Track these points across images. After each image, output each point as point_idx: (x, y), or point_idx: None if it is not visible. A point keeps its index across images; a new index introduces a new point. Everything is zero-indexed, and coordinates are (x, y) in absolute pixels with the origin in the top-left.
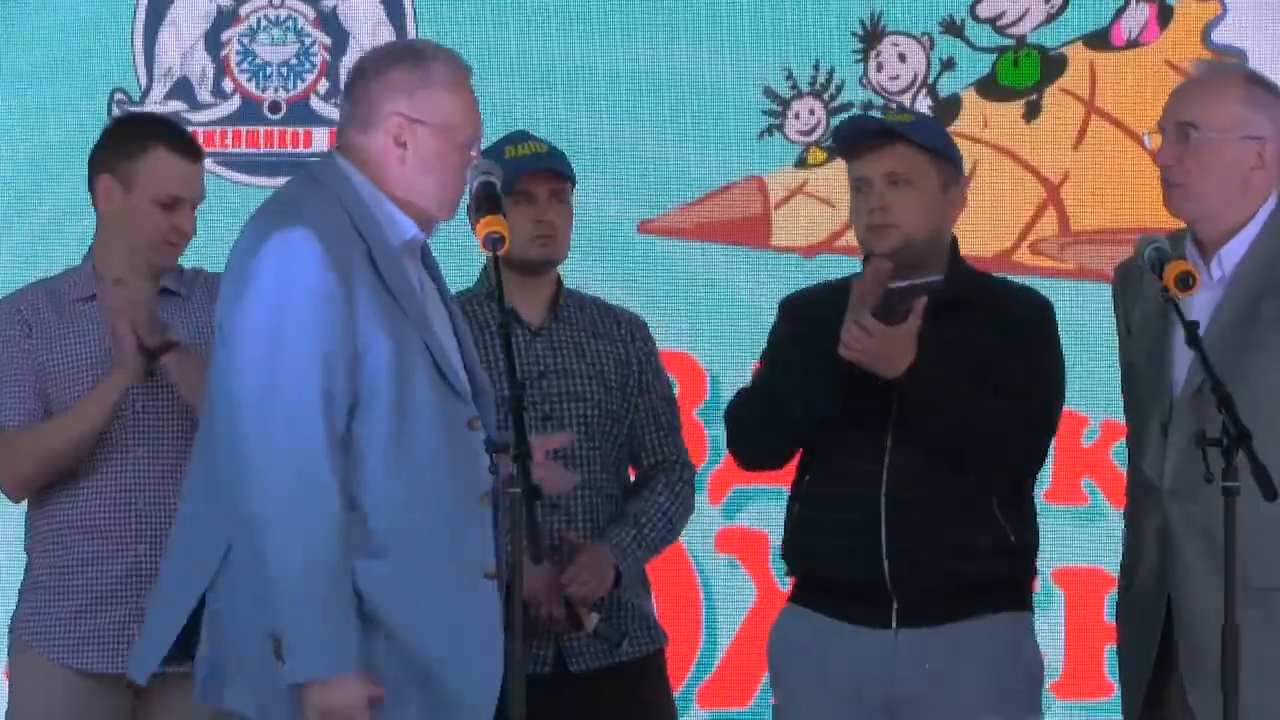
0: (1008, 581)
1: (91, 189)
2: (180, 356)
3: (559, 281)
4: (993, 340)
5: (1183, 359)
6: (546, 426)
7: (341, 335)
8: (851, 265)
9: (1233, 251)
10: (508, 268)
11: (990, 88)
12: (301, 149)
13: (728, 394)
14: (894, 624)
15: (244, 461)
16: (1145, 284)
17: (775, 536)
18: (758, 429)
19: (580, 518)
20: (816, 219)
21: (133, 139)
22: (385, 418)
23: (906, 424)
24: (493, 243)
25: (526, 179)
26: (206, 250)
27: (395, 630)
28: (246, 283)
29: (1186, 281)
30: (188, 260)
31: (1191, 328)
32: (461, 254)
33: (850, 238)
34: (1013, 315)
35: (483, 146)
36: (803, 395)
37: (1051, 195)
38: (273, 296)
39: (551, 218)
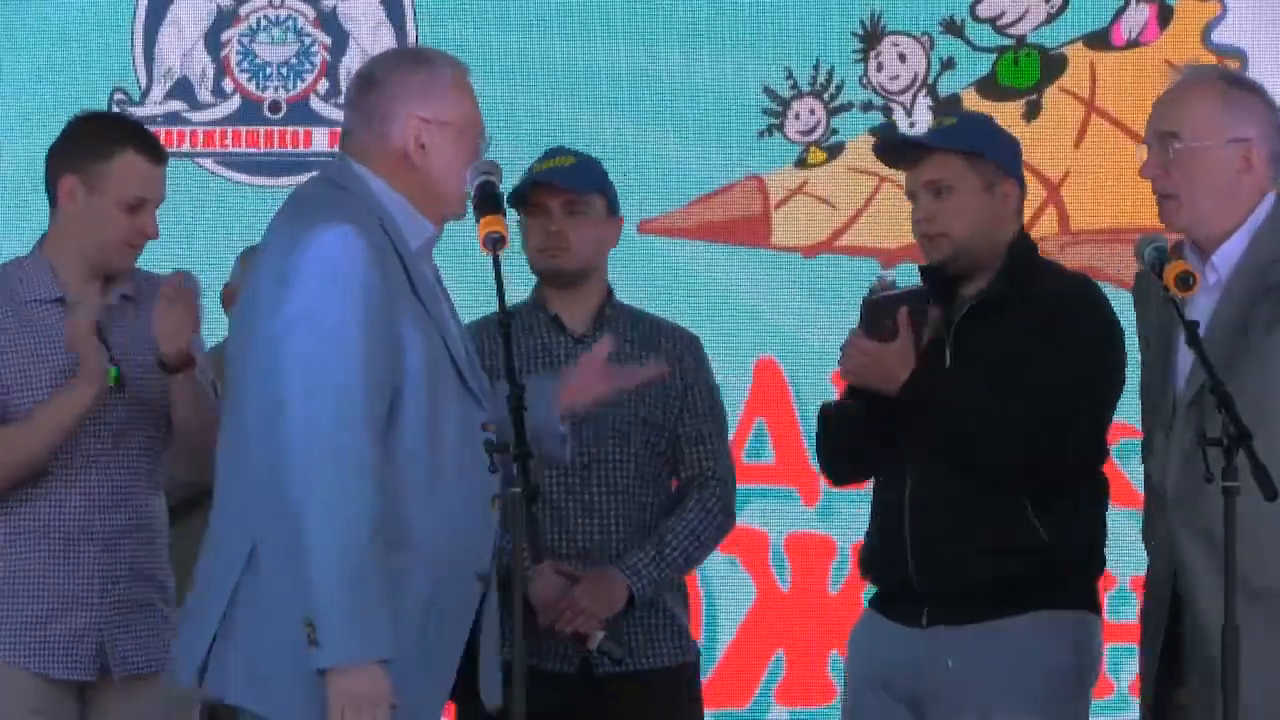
0: (1038, 581)
1: (51, 188)
2: (189, 376)
3: (609, 292)
4: (1028, 343)
5: (1184, 364)
6: (580, 431)
7: (385, 329)
8: (852, 265)
9: (1227, 255)
10: (542, 279)
11: (990, 88)
12: (301, 149)
13: (728, 394)
14: (924, 623)
15: (288, 449)
16: (1154, 293)
17: (775, 536)
18: (824, 446)
19: (614, 524)
20: (816, 219)
21: (100, 141)
22: (416, 415)
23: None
24: (493, 243)
25: (539, 191)
26: (207, 249)
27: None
28: (290, 276)
29: (1187, 281)
30: (190, 258)
31: (1191, 327)
32: (462, 254)
33: (850, 238)
34: (1056, 316)
35: (486, 150)
36: (840, 410)
37: (1052, 195)
38: (320, 290)
39: (561, 228)
